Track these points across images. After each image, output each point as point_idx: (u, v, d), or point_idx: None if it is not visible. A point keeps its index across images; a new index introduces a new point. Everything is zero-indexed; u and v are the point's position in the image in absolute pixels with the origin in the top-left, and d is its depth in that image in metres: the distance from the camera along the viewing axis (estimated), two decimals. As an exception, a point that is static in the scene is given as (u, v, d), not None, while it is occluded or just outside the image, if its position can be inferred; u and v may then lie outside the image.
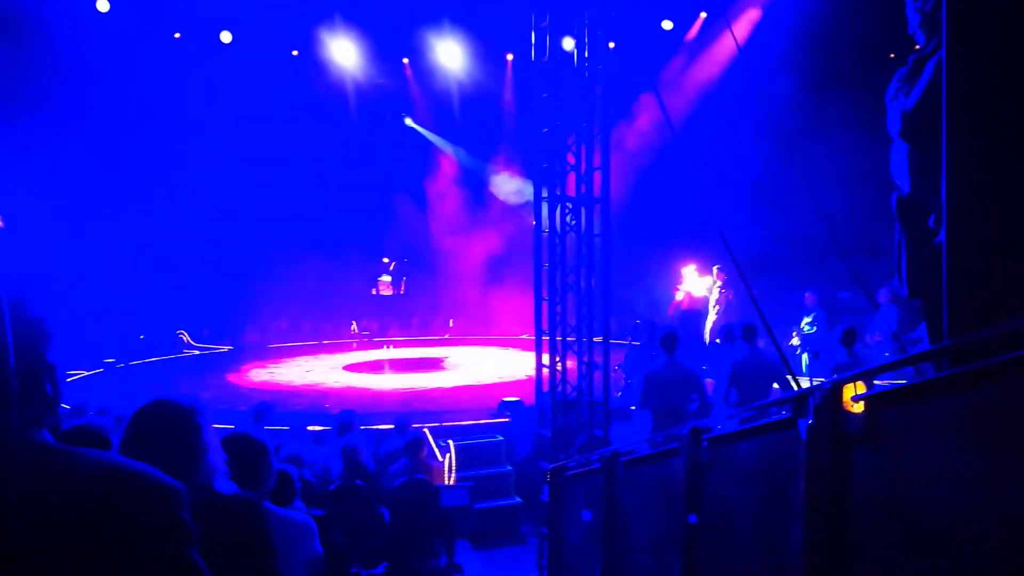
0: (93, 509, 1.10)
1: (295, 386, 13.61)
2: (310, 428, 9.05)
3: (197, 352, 17.83)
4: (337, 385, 13.62)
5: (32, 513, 1.08)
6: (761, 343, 6.91)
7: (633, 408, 9.38)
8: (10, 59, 12.43)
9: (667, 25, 16.88)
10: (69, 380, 13.77)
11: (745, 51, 13.37)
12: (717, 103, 15.32)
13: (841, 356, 6.77)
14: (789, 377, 4.97)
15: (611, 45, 8.88)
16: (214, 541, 1.39)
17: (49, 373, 1.21)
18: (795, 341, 11.90)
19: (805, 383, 6.62)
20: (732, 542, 2.82)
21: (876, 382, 4.58)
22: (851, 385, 1.94)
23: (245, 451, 2.41)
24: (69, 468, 1.14)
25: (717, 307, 12.95)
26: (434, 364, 15.70)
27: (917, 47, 2.96)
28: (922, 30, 2.93)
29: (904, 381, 1.77)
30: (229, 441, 2.34)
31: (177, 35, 16.29)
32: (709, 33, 16.47)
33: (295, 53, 17.51)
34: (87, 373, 14.58)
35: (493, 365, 15.44)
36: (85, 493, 1.11)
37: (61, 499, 1.10)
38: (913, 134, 2.88)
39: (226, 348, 18.05)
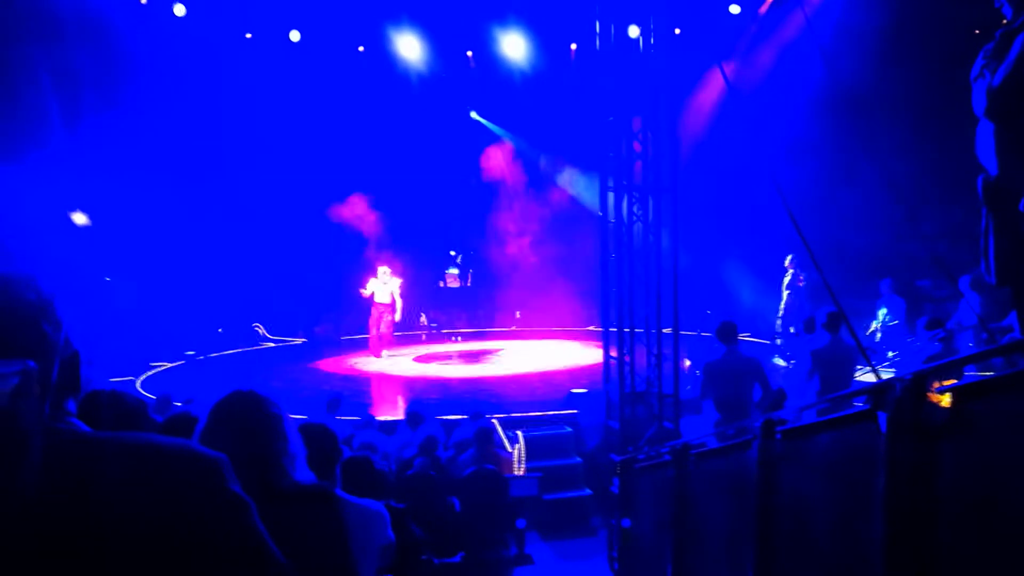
0: (132, 493, 1.04)
1: (369, 373, 14.14)
2: (380, 418, 9.24)
3: (273, 344, 18.35)
4: (409, 374, 14.01)
5: (71, 505, 1.01)
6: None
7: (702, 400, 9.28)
8: (90, 64, 12.96)
9: (735, 10, 16.45)
10: (154, 372, 14.42)
11: (818, 26, 12.93)
12: (787, 82, 14.86)
13: (932, 347, 6.53)
14: (869, 368, 4.83)
15: (677, 31, 8.74)
16: (294, 530, 1.44)
17: (70, 359, 1.14)
18: (876, 331, 11.50)
19: (885, 375, 6.43)
20: (807, 536, 2.76)
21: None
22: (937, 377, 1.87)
23: (320, 441, 2.47)
24: (103, 454, 1.08)
25: (788, 292, 12.65)
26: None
27: (1005, 21, 2.83)
28: (1010, 3, 2.79)
29: (991, 373, 1.69)
30: (304, 431, 2.41)
31: (248, 35, 16.74)
32: (778, 11, 15.95)
33: (361, 49, 17.76)
34: (169, 365, 15.19)
35: (559, 356, 15.47)
36: (122, 477, 1.05)
37: (98, 487, 1.03)
38: (1000, 113, 2.76)
39: (300, 340, 18.52)
